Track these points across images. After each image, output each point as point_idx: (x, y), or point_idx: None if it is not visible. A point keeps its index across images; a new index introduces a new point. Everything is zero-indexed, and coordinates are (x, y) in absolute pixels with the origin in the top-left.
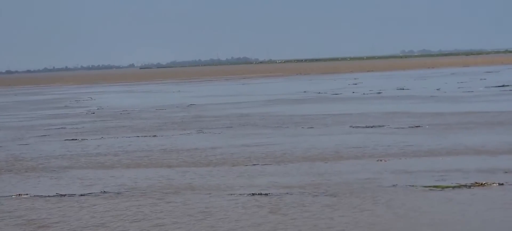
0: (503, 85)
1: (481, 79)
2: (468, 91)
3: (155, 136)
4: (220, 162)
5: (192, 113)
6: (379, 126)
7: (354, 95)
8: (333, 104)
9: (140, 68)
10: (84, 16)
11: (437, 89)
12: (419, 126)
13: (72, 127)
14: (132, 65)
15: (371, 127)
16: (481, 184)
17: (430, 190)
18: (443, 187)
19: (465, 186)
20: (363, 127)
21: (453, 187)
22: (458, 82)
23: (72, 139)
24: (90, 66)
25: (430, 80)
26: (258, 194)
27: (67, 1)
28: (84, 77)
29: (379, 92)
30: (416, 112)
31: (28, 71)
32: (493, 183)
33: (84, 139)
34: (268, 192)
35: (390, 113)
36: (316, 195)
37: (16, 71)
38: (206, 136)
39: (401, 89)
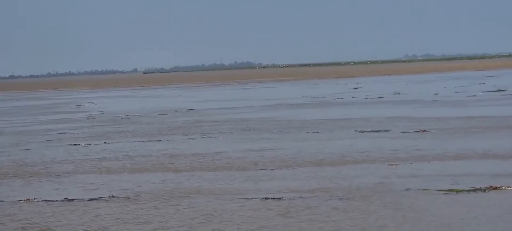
0: (499, 90)
1: (480, 83)
2: (467, 96)
3: (160, 140)
4: (227, 167)
5: (193, 118)
6: (385, 131)
7: (355, 100)
8: (336, 109)
9: (144, 73)
10: (87, 22)
11: (435, 93)
12: (425, 130)
13: (74, 132)
14: (135, 70)
15: (377, 131)
16: (496, 187)
17: (445, 193)
18: (457, 191)
19: (480, 189)
20: (369, 131)
21: (468, 191)
22: (456, 87)
23: (75, 144)
24: (94, 71)
25: (431, 84)
26: (266, 198)
27: (70, 6)
28: (87, 82)
29: (381, 97)
30: (419, 117)
31: (32, 76)
32: (508, 187)
33: (87, 144)
34: (276, 196)
35: (393, 118)
36: (327, 200)
37: (20, 76)
38: (210, 141)
39: (402, 94)
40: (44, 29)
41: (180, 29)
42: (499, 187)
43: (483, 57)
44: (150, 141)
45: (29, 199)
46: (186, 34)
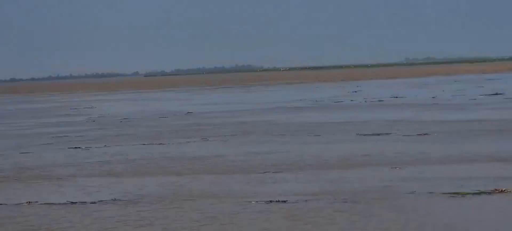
0: (496, 94)
1: (478, 87)
2: (468, 99)
3: (161, 144)
4: (229, 170)
5: (194, 121)
6: (386, 134)
7: (355, 104)
8: (336, 112)
9: (145, 76)
10: (89, 24)
11: (432, 97)
12: (427, 134)
13: (74, 135)
14: (136, 73)
15: (378, 135)
16: (501, 190)
17: (450, 197)
18: (463, 194)
19: (485, 192)
20: (370, 135)
21: (473, 194)
22: (454, 90)
23: (76, 147)
24: (95, 74)
25: (430, 87)
26: (270, 201)
27: (72, 9)
28: (88, 86)
29: (381, 100)
30: (419, 120)
31: (33, 79)
32: None
33: (88, 147)
34: (280, 199)
35: (393, 121)
36: (331, 203)
37: (21, 79)
38: (212, 144)
39: (402, 97)
40: (45, 32)
41: (181, 32)
42: (504, 190)
43: (484, 60)
44: (151, 144)
45: (30, 202)
46: (187, 37)
